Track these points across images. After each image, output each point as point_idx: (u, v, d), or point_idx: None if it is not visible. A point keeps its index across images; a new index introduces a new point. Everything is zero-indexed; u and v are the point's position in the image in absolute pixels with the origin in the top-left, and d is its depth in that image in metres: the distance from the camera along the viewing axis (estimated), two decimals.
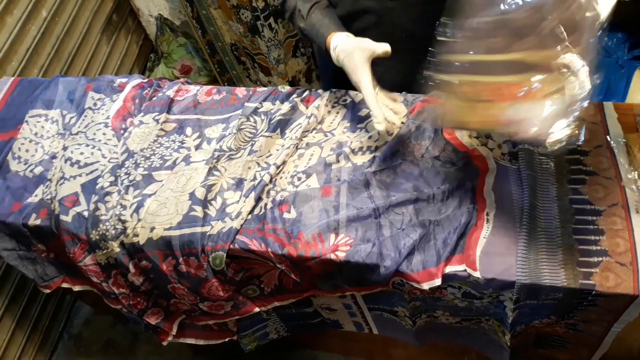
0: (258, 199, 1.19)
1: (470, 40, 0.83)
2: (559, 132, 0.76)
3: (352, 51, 1.10)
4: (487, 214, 1.09)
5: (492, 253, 1.04)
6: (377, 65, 1.34)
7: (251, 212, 1.18)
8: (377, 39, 1.27)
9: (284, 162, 1.25)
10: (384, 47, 1.08)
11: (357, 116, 1.30)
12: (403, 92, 1.30)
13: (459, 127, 0.93)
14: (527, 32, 0.77)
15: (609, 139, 1.14)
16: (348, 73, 1.11)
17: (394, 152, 1.21)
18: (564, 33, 0.75)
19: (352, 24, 1.26)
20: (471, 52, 0.82)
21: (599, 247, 1.01)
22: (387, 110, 1.10)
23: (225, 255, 1.13)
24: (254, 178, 1.22)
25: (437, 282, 1.04)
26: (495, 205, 1.09)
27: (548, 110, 0.76)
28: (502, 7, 0.77)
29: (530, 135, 0.78)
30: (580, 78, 0.76)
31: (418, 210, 1.12)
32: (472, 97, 0.84)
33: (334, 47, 1.14)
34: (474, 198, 1.11)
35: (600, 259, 1.00)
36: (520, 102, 0.78)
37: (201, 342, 1.51)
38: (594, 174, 1.10)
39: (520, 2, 0.76)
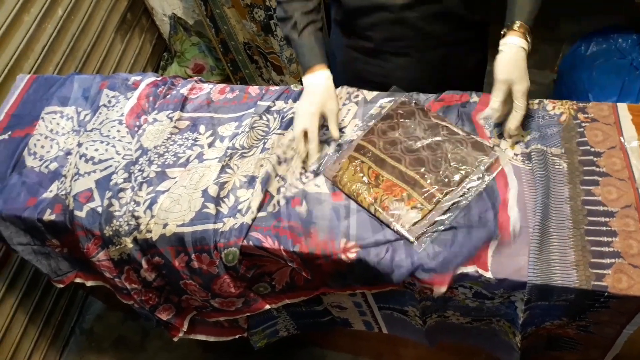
0: (266, 192, 1.20)
1: (391, 148, 1.20)
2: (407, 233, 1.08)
3: (320, 99, 1.19)
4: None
5: (504, 253, 1.04)
6: (388, 62, 1.35)
7: (263, 208, 1.19)
8: (389, 35, 1.28)
9: (291, 157, 1.26)
10: (333, 131, 1.21)
11: (369, 114, 1.30)
12: (414, 92, 1.30)
13: (351, 196, 1.16)
14: (429, 164, 1.16)
15: (622, 140, 1.14)
16: (301, 105, 1.21)
17: None
18: (450, 181, 1.12)
19: (362, 19, 1.26)
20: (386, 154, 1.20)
21: (611, 249, 1.01)
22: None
23: (238, 251, 1.14)
24: None
25: (443, 289, 1.04)
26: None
27: (409, 217, 1.09)
28: (418, 144, 1.19)
29: (392, 228, 1.09)
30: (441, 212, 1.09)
31: None
32: (373, 182, 1.16)
33: (313, 79, 1.20)
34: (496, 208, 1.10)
35: (612, 260, 0.99)
36: (399, 201, 1.11)
37: (212, 339, 1.52)
38: (608, 175, 1.10)
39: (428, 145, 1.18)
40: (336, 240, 1.11)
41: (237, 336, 1.50)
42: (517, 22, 1.09)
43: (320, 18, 1.26)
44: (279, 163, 1.24)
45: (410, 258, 1.06)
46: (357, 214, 1.14)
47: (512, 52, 1.08)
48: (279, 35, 2.12)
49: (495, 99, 1.10)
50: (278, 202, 1.19)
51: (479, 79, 1.50)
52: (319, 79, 1.20)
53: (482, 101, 1.26)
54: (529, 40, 1.10)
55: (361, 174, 1.17)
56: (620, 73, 1.80)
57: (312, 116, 1.18)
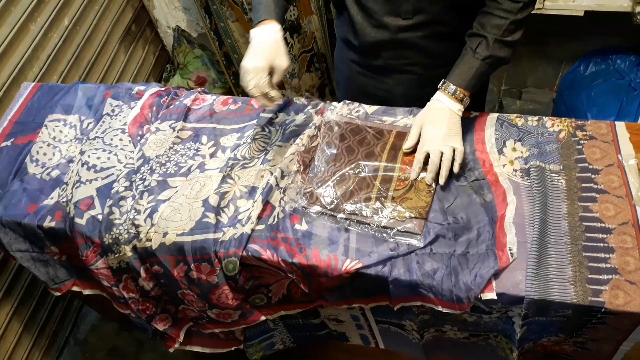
0: (266, 203, 1.20)
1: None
2: None
3: (268, 53, 1.11)
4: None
5: (502, 268, 1.04)
6: (392, 78, 1.37)
7: (263, 221, 1.19)
8: (390, 54, 1.30)
9: (295, 171, 1.26)
10: (276, 89, 1.14)
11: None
12: (415, 107, 1.32)
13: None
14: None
15: (620, 157, 1.15)
16: (248, 60, 1.12)
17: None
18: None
19: (368, 37, 1.29)
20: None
21: (609, 265, 1.01)
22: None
23: (239, 261, 1.14)
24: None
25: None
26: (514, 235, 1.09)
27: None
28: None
29: None
30: None
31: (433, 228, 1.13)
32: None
33: (260, 31, 1.13)
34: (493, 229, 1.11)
35: (610, 276, 1.00)
36: None
37: (207, 350, 1.50)
38: (605, 192, 1.11)
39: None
40: (337, 255, 1.11)
41: (233, 348, 1.49)
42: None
43: None
44: (282, 176, 1.25)
45: (410, 273, 1.06)
46: (357, 227, 1.15)
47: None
48: None
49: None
50: (278, 215, 1.19)
51: (480, 95, 1.51)
52: (267, 32, 1.12)
53: (480, 119, 1.28)
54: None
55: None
56: (619, 93, 1.82)
57: (261, 72, 1.11)
